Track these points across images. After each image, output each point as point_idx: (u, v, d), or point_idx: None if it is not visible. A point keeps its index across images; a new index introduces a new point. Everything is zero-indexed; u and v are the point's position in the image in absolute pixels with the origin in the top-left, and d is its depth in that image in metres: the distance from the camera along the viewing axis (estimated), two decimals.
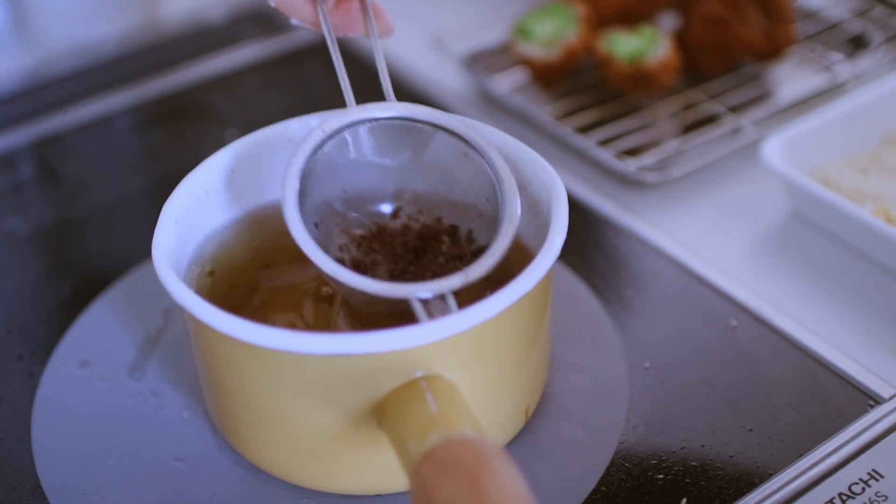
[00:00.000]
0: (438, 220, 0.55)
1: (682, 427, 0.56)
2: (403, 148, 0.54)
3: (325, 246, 0.51)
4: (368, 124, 0.53)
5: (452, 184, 0.54)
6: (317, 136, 0.52)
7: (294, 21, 0.55)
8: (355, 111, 0.53)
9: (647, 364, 0.59)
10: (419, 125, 0.53)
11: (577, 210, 0.70)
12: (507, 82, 0.81)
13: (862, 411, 0.56)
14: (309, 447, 0.51)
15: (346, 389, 0.48)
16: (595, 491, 0.53)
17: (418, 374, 0.47)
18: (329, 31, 0.54)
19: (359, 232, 0.54)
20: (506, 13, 0.87)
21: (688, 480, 0.53)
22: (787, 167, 0.67)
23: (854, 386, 0.58)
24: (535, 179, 0.55)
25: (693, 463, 0.54)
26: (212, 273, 0.56)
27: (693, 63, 0.79)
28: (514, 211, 0.51)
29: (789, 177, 0.66)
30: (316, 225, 0.52)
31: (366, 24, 0.55)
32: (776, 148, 0.67)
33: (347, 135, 0.53)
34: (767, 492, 0.52)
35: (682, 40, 0.79)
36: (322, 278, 0.56)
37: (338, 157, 0.53)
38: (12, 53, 0.90)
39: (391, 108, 0.53)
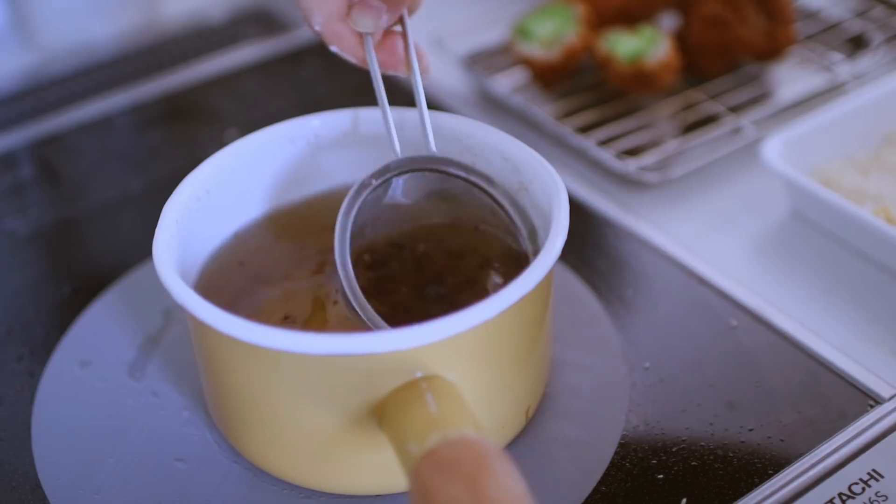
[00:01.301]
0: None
1: (682, 427, 0.56)
2: (431, 191, 0.55)
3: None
4: (408, 174, 0.54)
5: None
6: (366, 189, 0.53)
7: (334, 49, 0.54)
8: (402, 162, 0.54)
9: (647, 364, 0.59)
10: (453, 177, 0.55)
11: (578, 210, 0.70)
12: (507, 82, 0.81)
13: (862, 411, 0.56)
14: (309, 447, 0.51)
15: (347, 390, 0.48)
16: (595, 491, 0.53)
17: (418, 375, 0.47)
18: (375, 68, 0.54)
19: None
20: (506, 13, 0.87)
21: (688, 480, 0.53)
22: (787, 167, 0.67)
23: (854, 386, 0.58)
24: (536, 180, 0.55)
25: (693, 463, 0.54)
26: (212, 273, 0.56)
27: (693, 63, 0.79)
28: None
29: (789, 177, 0.66)
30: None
31: (407, 62, 0.54)
32: (776, 148, 0.67)
33: (390, 183, 0.54)
34: (767, 492, 0.52)
35: (682, 40, 0.79)
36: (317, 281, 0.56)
37: (373, 204, 0.54)
38: (12, 53, 0.90)
39: (431, 162, 0.54)
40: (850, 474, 0.53)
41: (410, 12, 0.55)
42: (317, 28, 0.54)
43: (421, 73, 0.55)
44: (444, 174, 0.55)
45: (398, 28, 0.55)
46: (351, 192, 0.53)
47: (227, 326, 0.47)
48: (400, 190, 0.55)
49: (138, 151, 0.80)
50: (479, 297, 0.47)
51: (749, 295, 0.63)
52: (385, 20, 0.53)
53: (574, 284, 0.64)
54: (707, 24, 0.78)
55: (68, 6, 0.90)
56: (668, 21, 0.84)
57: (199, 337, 0.52)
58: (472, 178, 0.55)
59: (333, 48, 0.54)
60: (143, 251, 0.66)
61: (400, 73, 0.55)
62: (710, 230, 0.69)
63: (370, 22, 0.53)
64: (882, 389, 0.57)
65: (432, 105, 0.55)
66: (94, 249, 0.71)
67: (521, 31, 0.78)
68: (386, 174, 0.54)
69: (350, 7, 0.53)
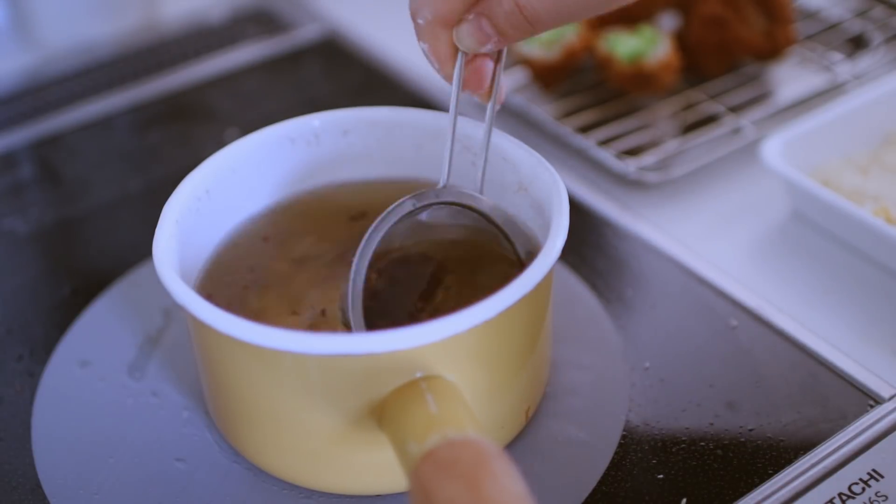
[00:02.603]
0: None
1: (682, 427, 0.56)
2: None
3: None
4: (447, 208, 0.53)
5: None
6: (403, 210, 0.52)
7: (423, 46, 0.52)
8: (449, 194, 0.53)
9: (647, 364, 0.59)
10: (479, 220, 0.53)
11: (578, 210, 0.70)
12: (507, 82, 0.81)
13: (862, 411, 0.56)
14: (309, 447, 0.51)
15: (347, 390, 0.48)
16: (595, 491, 0.53)
17: (418, 375, 0.47)
18: (457, 86, 0.52)
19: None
20: None
21: (688, 480, 0.53)
22: (787, 167, 0.67)
23: (854, 386, 0.58)
24: (536, 180, 0.55)
25: (693, 463, 0.54)
26: (212, 272, 0.56)
27: (693, 63, 0.79)
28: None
29: (789, 177, 0.66)
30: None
31: (490, 91, 0.53)
32: (776, 148, 0.67)
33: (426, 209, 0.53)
34: (767, 492, 0.52)
35: (682, 40, 0.79)
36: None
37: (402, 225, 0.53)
38: (12, 53, 0.90)
39: (474, 201, 0.53)
40: (850, 474, 0.53)
41: (510, 46, 0.52)
42: (419, 21, 0.51)
43: (496, 104, 0.53)
44: (477, 214, 0.54)
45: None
46: (387, 213, 0.52)
47: (227, 326, 0.47)
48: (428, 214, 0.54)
49: (138, 151, 0.80)
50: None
51: (749, 295, 0.63)
52: (489, 48, 0.50)
53: (574, 284, 0.64)
54: (707, 24, 0.78)
55: (68, 6, 0.90)
56: (668, 21, 0.84)
57: (199, 337, 0.52)
58: (497, 225, 0.54)
59: (423, 46, 0.52)
60: (143, 251, 0.66)
61: (478, 97, 0.53)
62: (710, 230, 0.69)
63: (474, 43, 0.50)
64: (882, 389, 0.57)
65: (431, 105, 0.55)
66: (94, 249, 0.71)
67: None
68: (426, 200, 0.52)
69: (461, 19, 0.50)
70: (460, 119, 0.59)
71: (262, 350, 0.47)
